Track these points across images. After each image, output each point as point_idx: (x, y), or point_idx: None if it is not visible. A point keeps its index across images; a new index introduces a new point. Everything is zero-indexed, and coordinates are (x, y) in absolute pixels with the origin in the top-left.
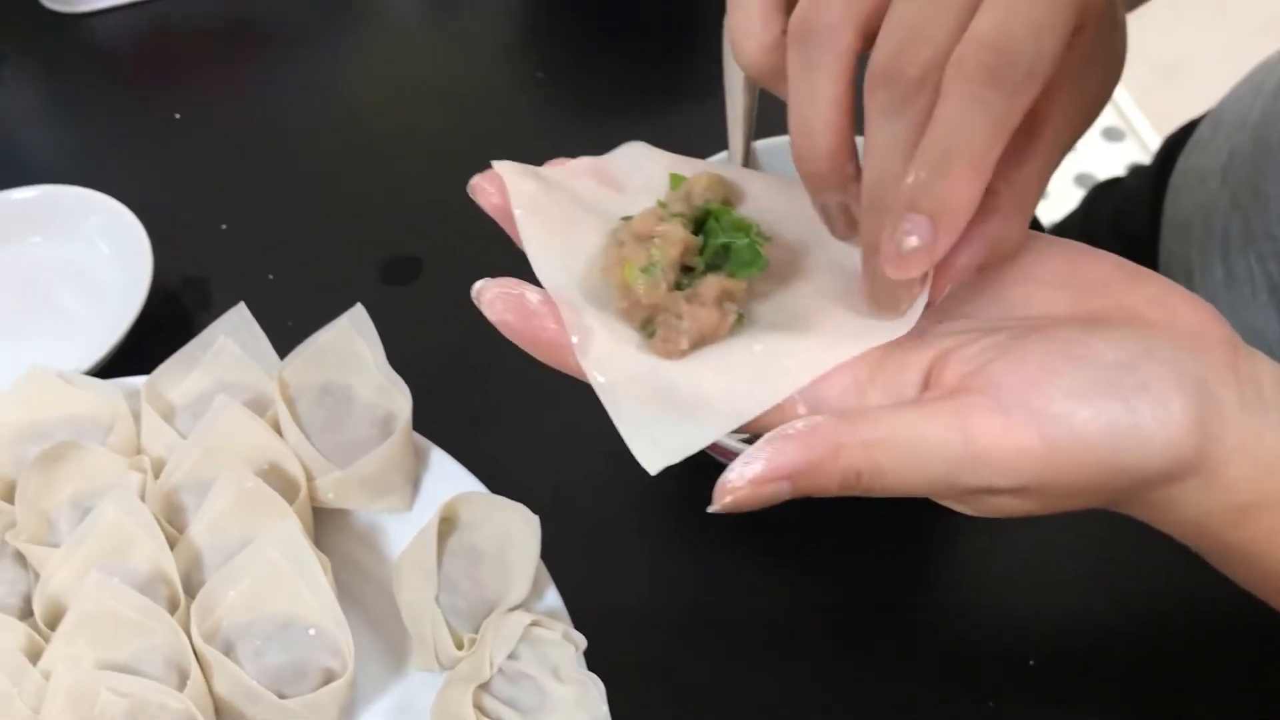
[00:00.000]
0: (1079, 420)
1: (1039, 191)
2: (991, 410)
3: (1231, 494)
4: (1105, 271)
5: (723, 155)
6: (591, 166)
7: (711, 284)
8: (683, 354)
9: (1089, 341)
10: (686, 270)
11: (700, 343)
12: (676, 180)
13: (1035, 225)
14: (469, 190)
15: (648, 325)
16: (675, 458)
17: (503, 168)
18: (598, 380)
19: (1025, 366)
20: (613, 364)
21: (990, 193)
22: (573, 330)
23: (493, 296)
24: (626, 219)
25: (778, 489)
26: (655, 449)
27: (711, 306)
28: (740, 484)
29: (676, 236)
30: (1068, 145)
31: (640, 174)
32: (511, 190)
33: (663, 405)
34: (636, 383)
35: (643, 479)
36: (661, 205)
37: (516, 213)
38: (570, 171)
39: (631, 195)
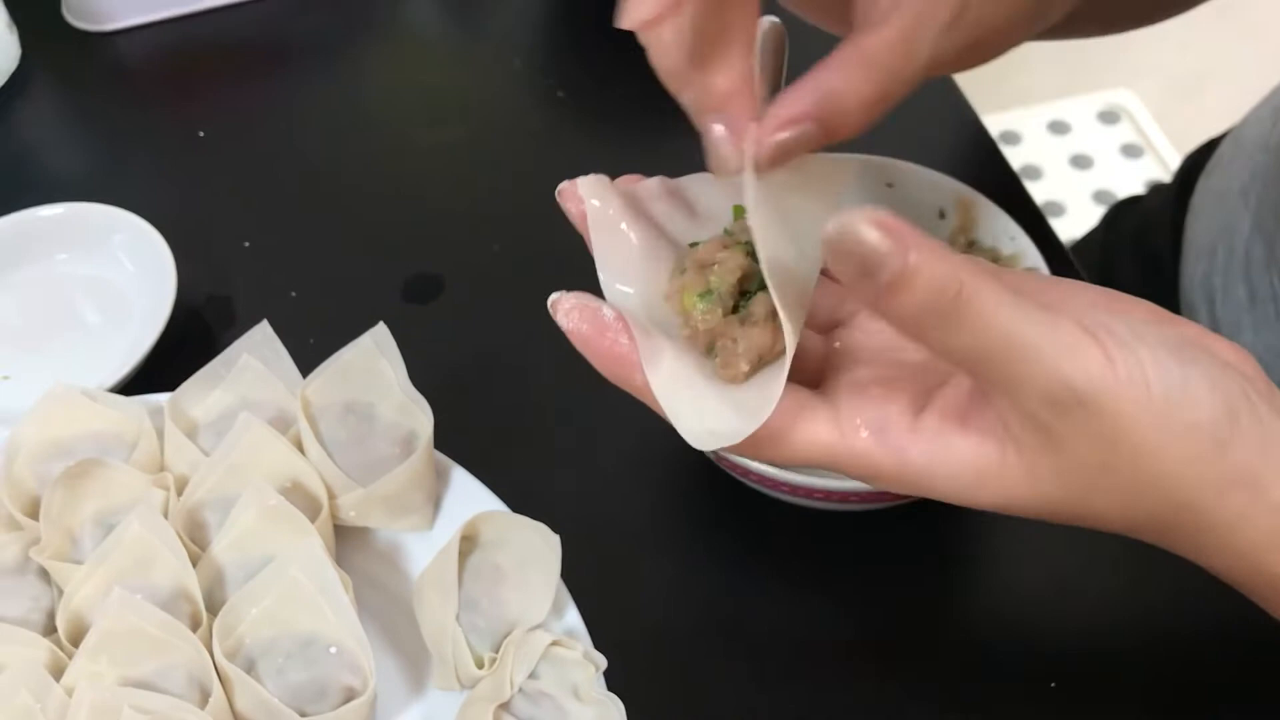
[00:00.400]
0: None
1: (902, 56)
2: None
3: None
4: (1142, 314)
5: None
6: (667, 188)
7: (761, 301)
8: (745, 376)
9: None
10: (745, 295)
11: (759, 363)
12: (739, 211)
13: (1055, 246)
14: (556, 195)
15: (711, 351)
16: (726, 442)
17: (585, 184)
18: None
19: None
20: (676, 383)
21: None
22: (642, 350)
23: (570, 307)
24: (694, 245)
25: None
26: (709, 436)
27: (763, 325)
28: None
29: (735, 264)
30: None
31: (709, 199)
32: (589, 208)
33: (719, 408)
34: (699, 398)
35: (663, 498)
36: (727, 233)
37: (591, 232)
38: (648, 191)
39: (701, 221)
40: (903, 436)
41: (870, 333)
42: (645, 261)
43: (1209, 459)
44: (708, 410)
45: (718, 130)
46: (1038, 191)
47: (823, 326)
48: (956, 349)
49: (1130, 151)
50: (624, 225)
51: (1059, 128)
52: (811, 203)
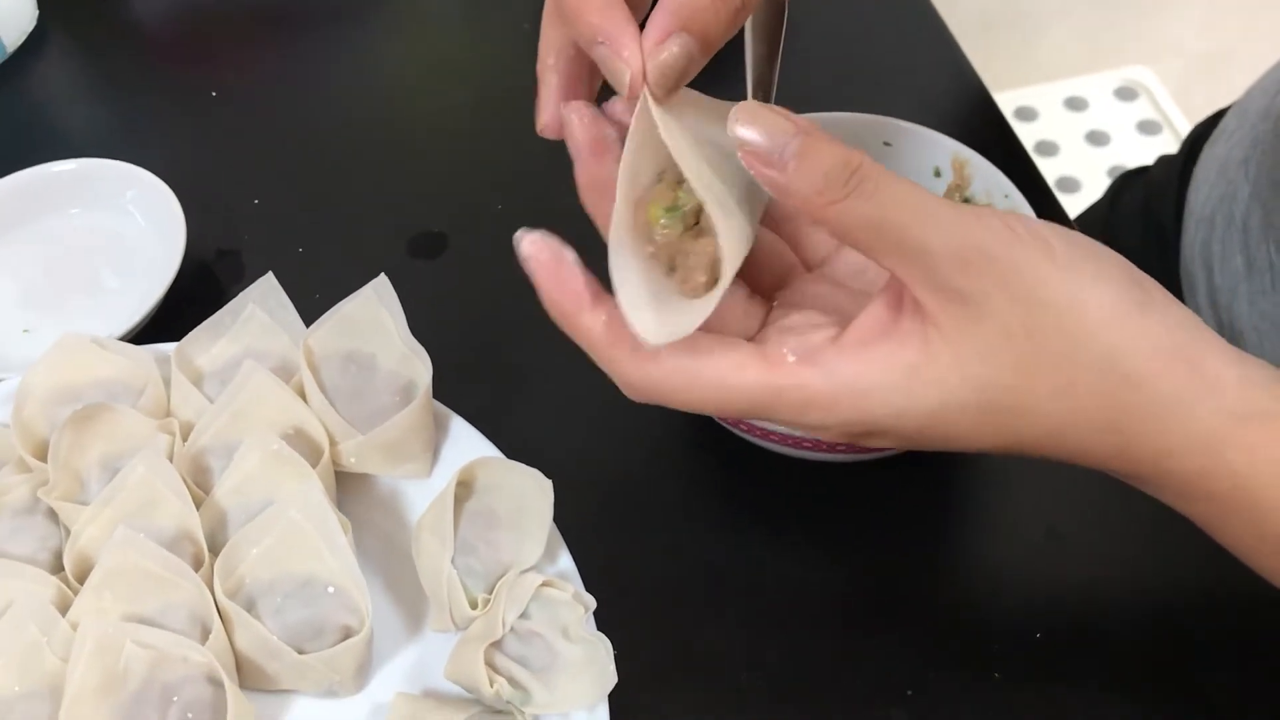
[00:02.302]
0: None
1: None
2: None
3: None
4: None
5: None
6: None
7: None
8: (705, 288)
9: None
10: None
11: (713, 272)
12: None
13: (1061, 216)
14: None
15: (673, 270)
16: (672, 336)
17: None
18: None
19: None
20: (639, 293)
21: None
22: (612, 264)
23: (535, 238)
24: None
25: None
26: (660, 328)
27: (712, 235)
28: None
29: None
30: None
31: None
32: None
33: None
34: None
35: (656, 448)
36: None
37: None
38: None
39: None
40: (827, 354)
41: (803, 291)
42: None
43: (1132, 315)
44: (664, 317)
45: (600, 51)
46: (1053, 167)
47: (765, 289)
48: (864, 218)
49: (1147, 128)
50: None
51: (1076, 104)
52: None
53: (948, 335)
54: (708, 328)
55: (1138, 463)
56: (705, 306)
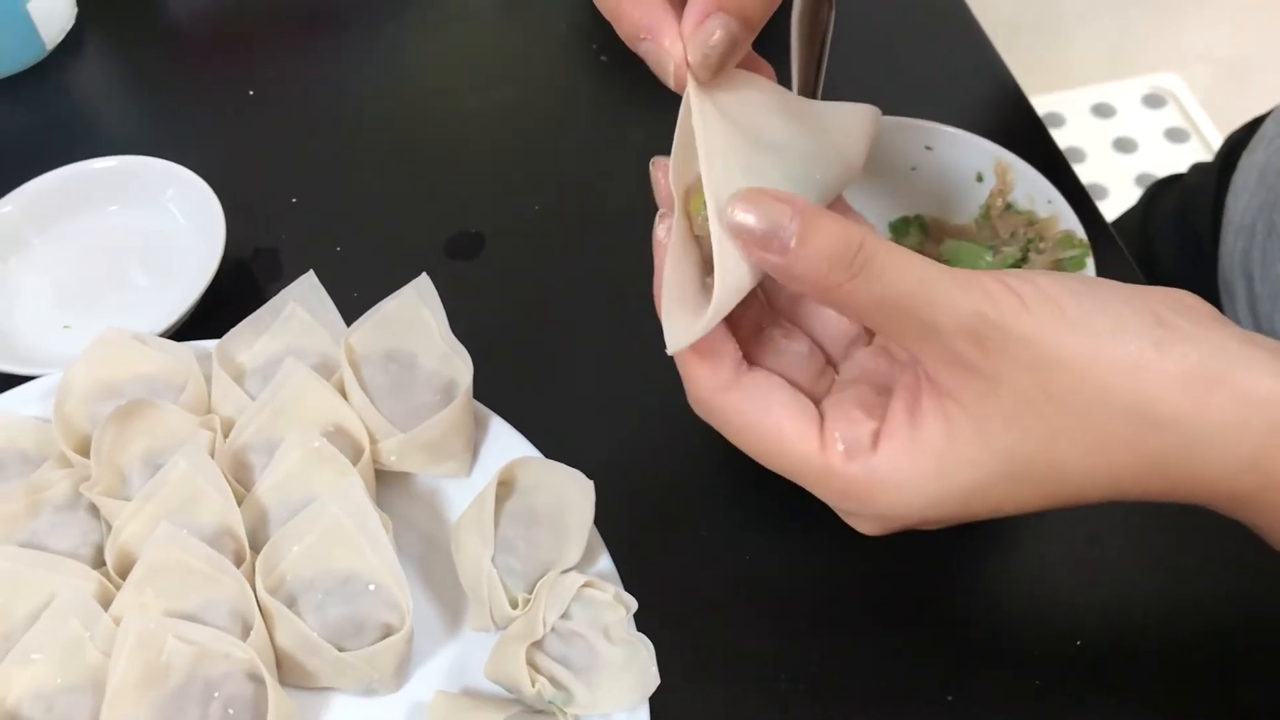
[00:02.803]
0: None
1: None
2: (1012, 290)
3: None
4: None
5: None
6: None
7: None
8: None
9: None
10: None
11: None
12: None
13: (1099, 222)
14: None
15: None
16: (674, 346)
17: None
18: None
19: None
20: (675, 287)
21: None
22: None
23: (669, 228)
24: None
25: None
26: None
27: None
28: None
29: None
30: None
31: None
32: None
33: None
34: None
35: (697, 449)
36: None
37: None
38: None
39: None
40: (869, 453)
41: (860, 364)
42: None
43: (1150, 359)
44: (685, 322)
45: (645, 46)
46: (1080, 174)
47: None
48: (872, 300)
49: (1175, 136)
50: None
51: (1103, 110)
52: (791, 123)
53: (969, 409)
54: (788, 378)
55: (1191, 494)
56: (704, 321)
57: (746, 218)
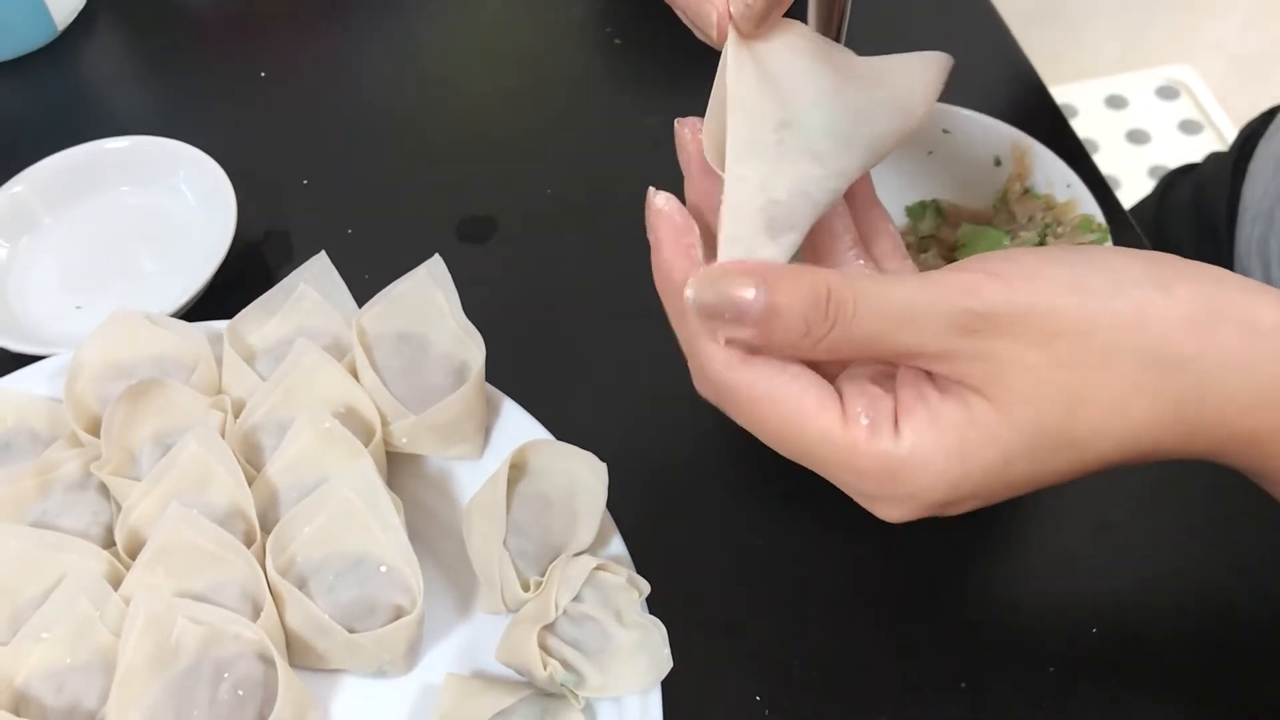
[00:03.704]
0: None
1: None
2: (992, 274)
3: None
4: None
5: None
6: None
7: None
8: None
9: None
10: None
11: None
12: None
13: (1116, 208)
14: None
15: None
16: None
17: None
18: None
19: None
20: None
21: None
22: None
23: (668, 197)
24: None
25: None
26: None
27: None
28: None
29: None
30: None
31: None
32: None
33: None
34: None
35: (708, 433)
36: None
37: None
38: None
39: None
40: (892, 428)
41: None
42: None
43: (1155, 306)
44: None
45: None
46: None
47: None
48: (856, 342)
49: (1189, 128)
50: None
51: (1117, 102)
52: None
53: (983, 391)
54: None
55: (1209, 442)
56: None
57: (708, 299)
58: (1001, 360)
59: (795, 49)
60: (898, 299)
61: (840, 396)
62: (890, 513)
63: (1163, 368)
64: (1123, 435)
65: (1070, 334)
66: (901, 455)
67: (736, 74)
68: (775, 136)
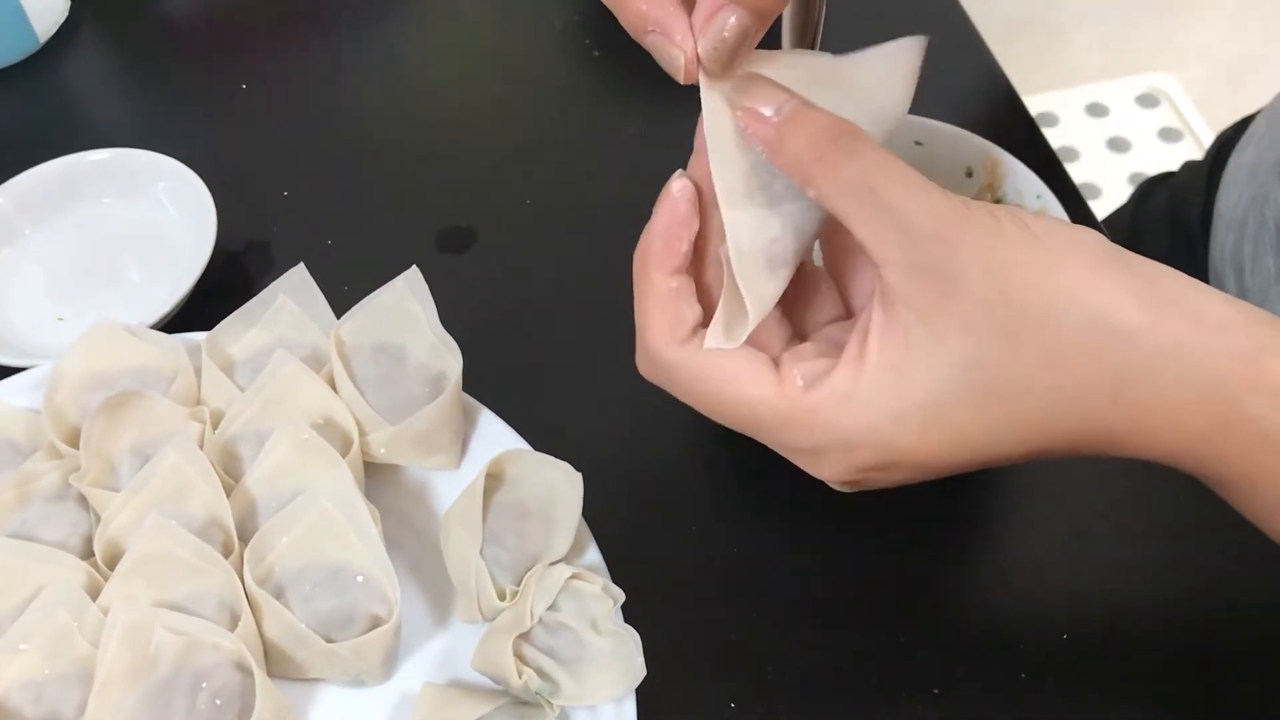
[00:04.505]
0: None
1: None
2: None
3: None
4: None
5: None
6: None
7: None
8: None
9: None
10: None
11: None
12: None
13: (1089, 219)
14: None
15: None
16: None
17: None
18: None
19: None
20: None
21: None
22: None
23: (687, 185)
24: None
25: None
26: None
27: None
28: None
29: None
30: None
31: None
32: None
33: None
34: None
35: (684, 443)
36: None
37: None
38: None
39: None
40: (829, 377)
41: (824, 335)
42: None
43: (1114, 270)
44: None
45: (652, 39)
46: (1073, 173)
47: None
48: (850, 179)
49: (1168, 135)
50: None
51: (1097, 110)
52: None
53: (926, 318)
54: (753, 343)
55: (1155, 433)
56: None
57: (749, 100)
58: (956, 280)
59: (769, 76)
60: (904, 170)
61: (778, 365)
62: (830, 471)
63: (1108, 334)
64: (1058, 396)
65: (1028, 272)
66: (838, 397)
67: (712, 120)
68: (760, 179)
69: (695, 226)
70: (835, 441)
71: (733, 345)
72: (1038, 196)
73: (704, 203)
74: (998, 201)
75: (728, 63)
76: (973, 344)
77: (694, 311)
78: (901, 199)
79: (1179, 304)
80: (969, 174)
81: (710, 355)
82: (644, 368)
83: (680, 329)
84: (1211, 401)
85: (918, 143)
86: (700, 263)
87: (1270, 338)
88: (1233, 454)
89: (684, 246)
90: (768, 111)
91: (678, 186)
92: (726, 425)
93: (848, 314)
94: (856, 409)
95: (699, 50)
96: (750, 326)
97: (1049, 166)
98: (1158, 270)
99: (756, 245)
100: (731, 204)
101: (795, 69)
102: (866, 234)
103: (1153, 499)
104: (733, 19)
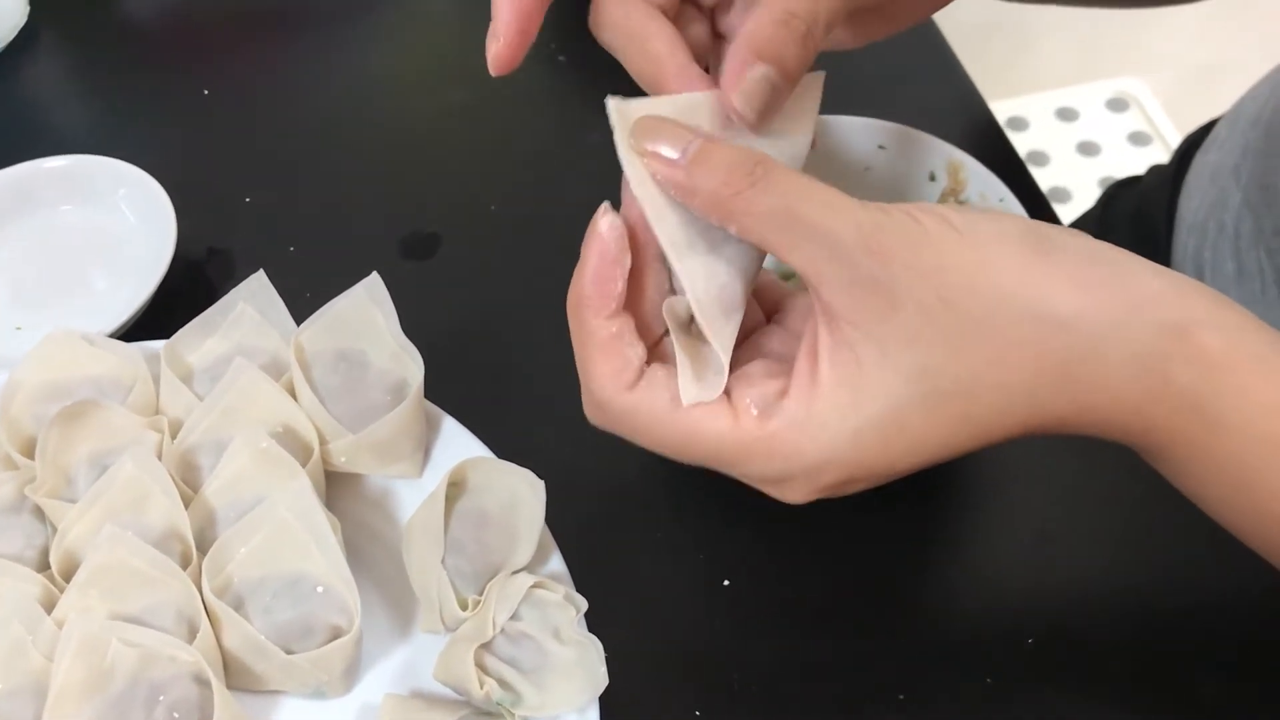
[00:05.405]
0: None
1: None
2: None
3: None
4: None
5: None
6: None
7: None
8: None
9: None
10: None
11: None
12: None
13: (1055, 222)
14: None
15: None
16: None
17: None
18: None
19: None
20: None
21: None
22: None
23: (615, 224)
24: None
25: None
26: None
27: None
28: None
29: None
30: None
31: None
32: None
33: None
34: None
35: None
36: None
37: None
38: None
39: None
40: (782, 403)
41: (758, 345)
42: None
43: (1038, 261)
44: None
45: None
46: (1044, 177)
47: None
48: (771, 209)
49: (1138, 139)
50: None
51: (1067, 114)
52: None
53: (871, 333)
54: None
55: (1096, 410)
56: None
57: (651, 142)
58: (894, 291)
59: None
60: (822, 190)
61: (729, 395)
62: (797, 494)
63: (1047, 324)
64: (1008, 392)
65: (960, 272)
66: (796, 423)
67: (635, 175)
68: (697, 227)
69: (627, 264)
70: (798, 468)
71: (712, 397)
72: (1000, 200)
73: (634, 236)
74: (960, 204)
75: (762, 112)
76: (920, 352)
77: (638, 353)
78: (825, 219)
79: (1110, 283)
80: (932, 178)
81: (659, 396)
82: (594, 416)
83: (627, 374)
84: (1145, 376)
85: (881, 146)
86: (637, 299)
87: (1199, 310)
88: (1165, 425)
89: (618, 288)
90: (675, 154)
91: (605, 224)
92: (687, 463)
93: (767, 317)
94: (815, 433)
95: (734, 102)
96: (725, 375)
97: (1013, 170)
98: (1082, 246)
99: (710, 293)
100: (678, 256)
101: (700, 109)
102: (797, 259)
103: (1118, 503)
104: (758, 74)
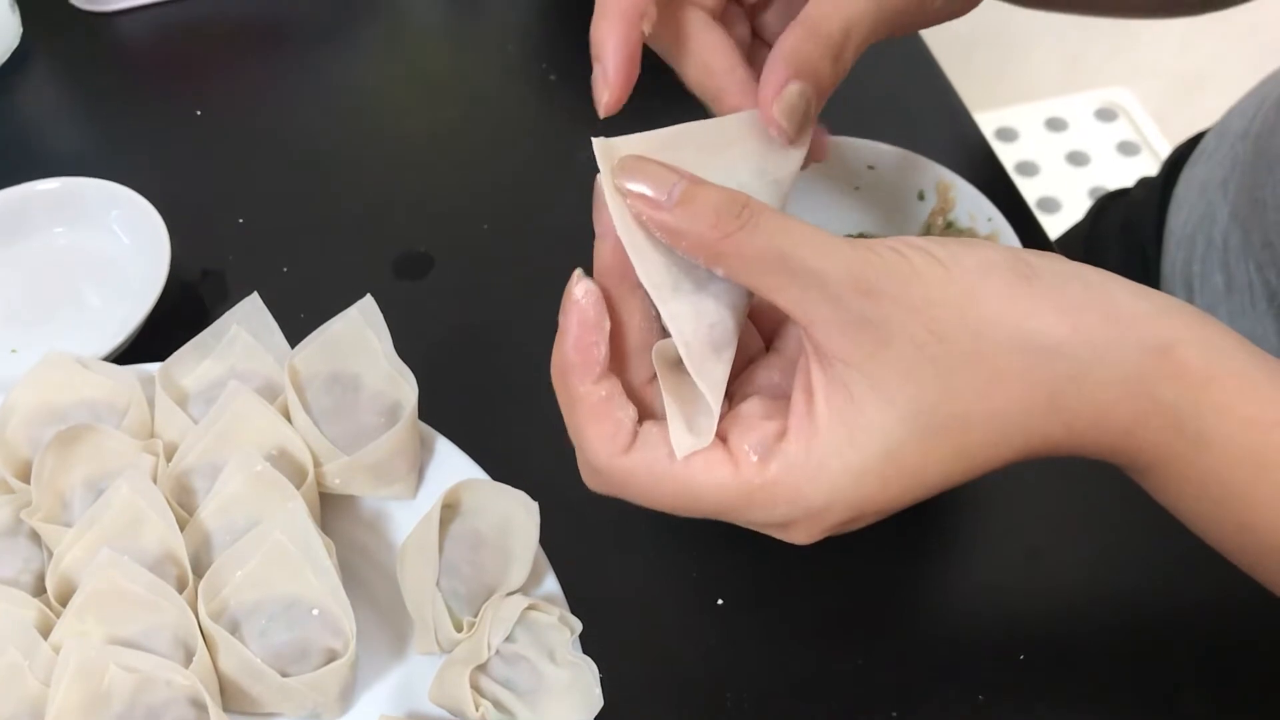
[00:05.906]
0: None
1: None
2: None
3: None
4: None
5: None
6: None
7: None
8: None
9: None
10: None
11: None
12: None
13: (1042, 239)
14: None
15: None
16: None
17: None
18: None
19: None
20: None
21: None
22: None
23: (590, 289)
24: None
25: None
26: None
27: None
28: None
29: None
30: None
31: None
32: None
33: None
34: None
35: None
36: None
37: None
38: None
39: None
40: (781, 446)
41: (754, 379)
42: None
43: (1023, 291)
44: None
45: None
46: (1033, 188)
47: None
48: (760, 251)
49: (1127, 149)
50: None
51: (1056, 124)
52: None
53: (865, 371)
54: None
55: (1085, 433)
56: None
57: (635, 183)
58: (886, 328)
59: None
60: (808, 230)
61: (726, 442)
62: (801, 535)
63: (1035, 352)
64: (1005, 418)
65: (948, 306)
66: (796, 466)
67: (619, 216)
68: (682, 266)
69: (607, 326)
70: (801, 511)
71: (705, 443)
72: (989, 219)
73: (611, 297)
74: (949, 224)
75: (800, 125)
76: (914, 388)
77: (629, 414)
78: (814, 259)
79: (1093, 307)
80: (921, 197)
81: (657, 455)
82: (591, 481)
83: (621, 437)
84: (1133, 398)
85: (870, 166)
86: (621, 358)
87: (1180, 328)
88: (1150, 442)
89: (601, 351)
90: (661, 196)
91: (580, 291)
92: (693, 517)
93: (766, 343)
94: (816, 475)
95: (775, 114)
96: (716, 419)
97: (1002, 188)
98: (1065, 271)
99: (699, 334)
100: (663, 299)
101: (681, 143)
102: (787, 300)
103: (1104, 517)
104: (795, 89)
